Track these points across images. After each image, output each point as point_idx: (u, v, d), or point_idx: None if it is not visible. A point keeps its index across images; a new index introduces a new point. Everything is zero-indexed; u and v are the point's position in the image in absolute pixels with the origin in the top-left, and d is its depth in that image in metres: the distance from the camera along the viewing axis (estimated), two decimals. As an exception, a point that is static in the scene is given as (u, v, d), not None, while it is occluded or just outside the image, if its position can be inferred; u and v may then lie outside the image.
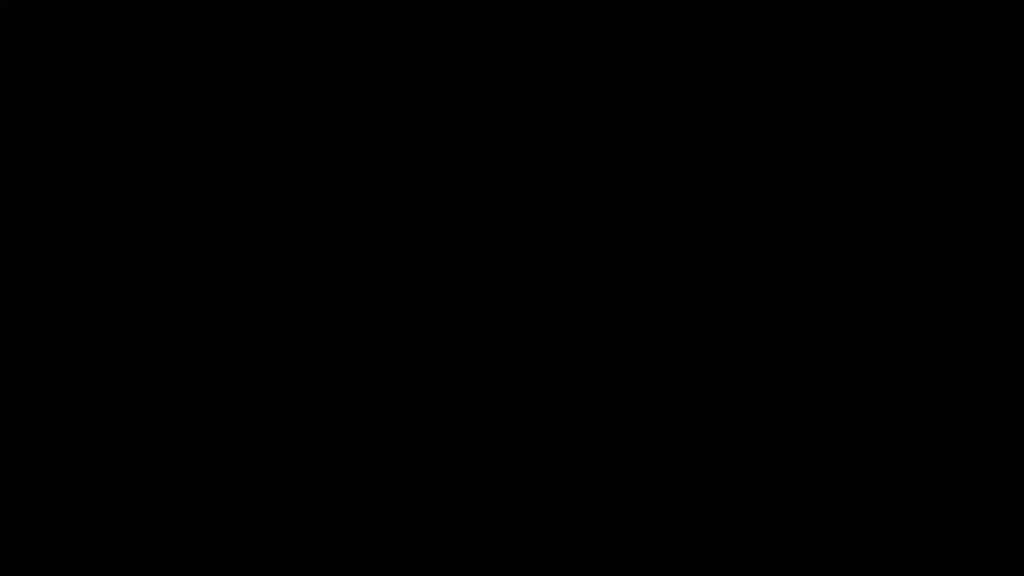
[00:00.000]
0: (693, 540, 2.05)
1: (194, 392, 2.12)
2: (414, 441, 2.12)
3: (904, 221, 2.08)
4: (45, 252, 2.12)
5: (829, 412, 2.07)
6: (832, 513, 2.04)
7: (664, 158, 2.14)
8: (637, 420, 2.11)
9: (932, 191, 2.08)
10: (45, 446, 2.09)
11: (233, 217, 2.15)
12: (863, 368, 2.07)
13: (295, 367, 2.13)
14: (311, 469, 2.10)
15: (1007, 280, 2.05)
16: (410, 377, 2.13)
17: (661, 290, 2.12)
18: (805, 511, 2.04)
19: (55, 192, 2.12)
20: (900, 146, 2.09)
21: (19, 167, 2.12)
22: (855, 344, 2.08)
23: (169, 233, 2.14)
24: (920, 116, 2.09)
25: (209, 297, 2.13)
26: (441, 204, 2.16)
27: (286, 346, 2.13)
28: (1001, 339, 2.04)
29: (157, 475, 2.10)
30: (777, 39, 2.11)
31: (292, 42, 2.16)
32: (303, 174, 2.15)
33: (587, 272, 2.14)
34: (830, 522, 2.03)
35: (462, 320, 2.14)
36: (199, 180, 2.15)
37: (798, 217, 2.11)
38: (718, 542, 2.05)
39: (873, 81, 2.10)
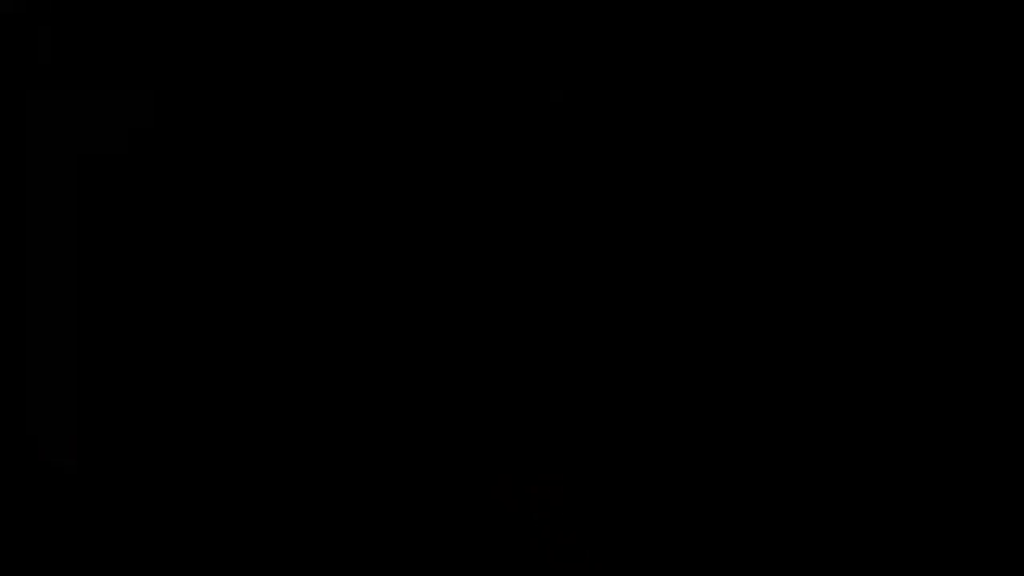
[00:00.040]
0: (693, 540, 2.05)
1: (194, 392, 2.12)
2: (414, 441, 2.12)
3: (904, 221, 2.08)
4: (45, 252, 2.12)
5: (828, 412, 2.07)
6: (832, 513, 2.04)
7: (664, 158, 2.14)
8: (637, 420, 2.11)
9: (932, 191, 2.08)
10: (45, 446, 2.09)
11: (233, 217, 2.15)
12: (863, 368, 2.07)
13: (295, 367, 2.13)
14: (311, 469, 2.10)
15: (1007, 280, 2.05)
16: (410, 378, 2.13)
17: (661, 290, 2.12)
18: (805, 511, 2.04)
19: (55, 192, 2.12)
20: (900, 146, 2.09)
21: (19, 167, 2.12)
22: (855, 344, 2.08)
23: (169, 233, 2.14)
24: (920, 116, 2.09)
25: (209, 297, 2.13)
26: (441, 204, 2.16)
27: (286, 346, 2.13)
28: (1001, 339, 2.04)
29: (157, 475, 2.10)
30: (777, 39, 2.11)
31: (292, 42, 2.16)
32: (303, 174, 2.15)
33: (587, 272, 2.14)
34: (830, 522, 2.03)
35: (462, 320, 2.14)
36: (199, 180, 2.15)
37: (798, 217, 2.11)
38: (718, 542, 2.05)
39: (873, 81, 2.10)
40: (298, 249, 2.14)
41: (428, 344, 2.14)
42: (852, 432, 2.06)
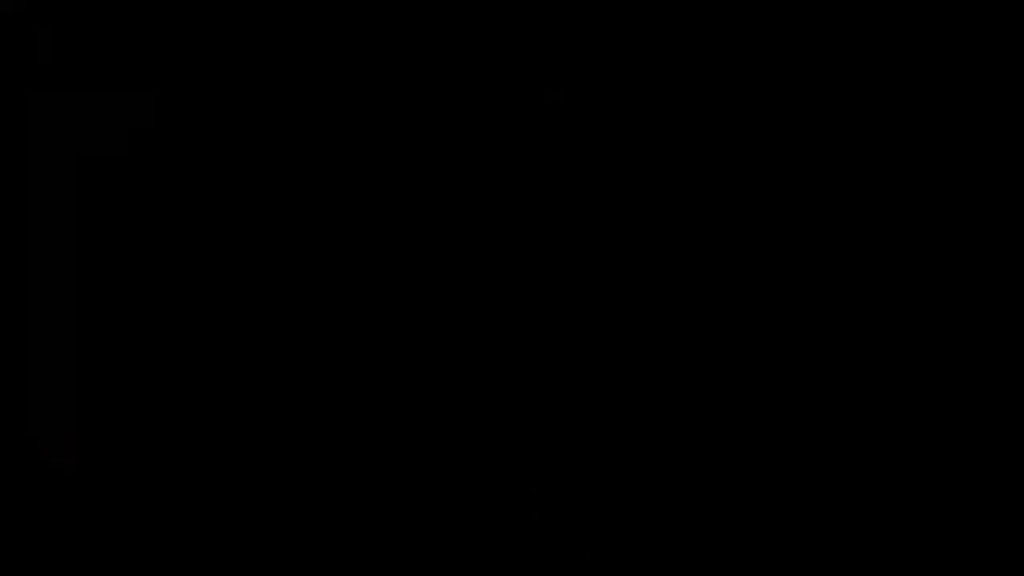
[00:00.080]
0: (693, 540, 2.05)
1: (194, 392, 2.12)
2: (415, 441, 2.12)
3: (903, 221, 2.08)
4: (45, 252, 2.12)
5: (828, 412, 2.07)
6: (831, 513, 2.04)
7: (664, 158, 2.14)
8: (636, 420, 2.11)
9: (931, 191, 2.08)
10: (45, 446, 2.09)
11: (233, 217, 2.15)
12: (862, 368, 2.07)
13: (295, 367, 2.13)
14: (311, 469, 2.10)
15: (1007, 280, 2.05)
16: (410, 378, 2.13)
17: (661, 290, 2.12)
18: (804, 511, 2.04)
19: (55, 192, 2.12)
20: (899, 146, 2.09)
21: (19, 167, 2.12)
22: (854, 344, 2.08)
23: (169, 233, 2.14)
24: (919, 116, 2.09)
25: (209, 297, 2.13)
26: (441, 204, 2.16)
27: (286, 346, 2.13)
28: (1001, 339, 2.04)
29: (157, 475, 2.10)
30: (777, 39, 2.11)
31: (292, 42, 2.16)
32: (303, 174, 2.15)
33: (587, 272, 2.14)
34: (829, 522, 2.03)
35: (462, 321, 2.14)
36: (199, 180, 2.15)
37: (798, 217, 2.11)
38: (718, 542, 2.05)
39: (873, 81, 2.10)
40: (298, 249, 2.14)
41: (428, 344, 2.14)
42: (851, 432, 2.06)
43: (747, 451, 2.08)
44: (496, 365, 2.13)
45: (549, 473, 2.10)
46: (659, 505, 2.08)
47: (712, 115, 2.13)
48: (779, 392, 2.08)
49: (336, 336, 2.14)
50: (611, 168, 2.15)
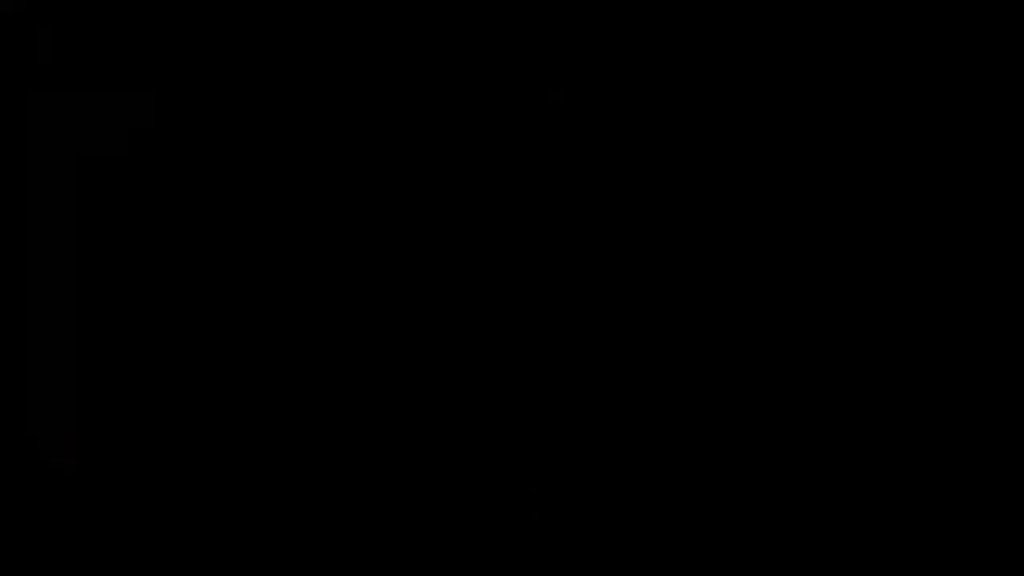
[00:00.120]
0: (693, 540, 2.05)
1: (194, 392, 2.12)
2: (414, 441, 2.12)
3: (903, 221, 2.08)
4: (45, 252, 2.12)
5: (828, 412, 2.07)
6: (831, 513, 2.04)
7: (664, 158, 2.14)
8: (636, 420, 2.11)
9: (931, 191, 2.08)
10: (45, 446, 2.09)
11: (233, 217, 2.15)
12: (862, 368, 2.07)
13: (295, 367, 2.13)
14: (311, 469, 2.10)
15: (1007, 280, 2.05)
16: (410, 378, 2.13)
17: (661, 290, 2.12)
18: (804, 511, 2.04)
19: (55, 192, 2.12)
20: (899, 146, 2.09)
21: (19, 167, 2.12)
22: (854, 344, 2.08)
23: (169, 233, 2.14)
24: (919, 116, 2.09)
25: (209, 297, 2.13)
26: (441, 204, 2.16)
27: (286, 346, 2.13)
28: (1001, 339, 2.04)
29: (157, 475, 2.10)
30: (776, 39, 2.11)
31: (292, 42, 2.16)
32: (303, 174, 2.15)
33: (587, 272, 2.14)
34: (829, 522, 2.03)
35: (462, 321, 2.14)
36: (199, 180, 2.15)
37: (798, 217, 2.11)
38: (718, 542, 2.05)
39: (872, 81, 2.10)
40: (298, 249, 2.14)
41: (428, 345, 2.14)
42: (851, 432, 2.06)
43: (747, 451, 2.08)
44: (496, 366, 2.13)
45: (549, 473, 2.10)
46: (659, 505, 2.08)
47: (712, 115, 2.13)
48: (779, 392, 2.08)
49: (336, 337, 2.14)
50: (611, 168, 2.15)
